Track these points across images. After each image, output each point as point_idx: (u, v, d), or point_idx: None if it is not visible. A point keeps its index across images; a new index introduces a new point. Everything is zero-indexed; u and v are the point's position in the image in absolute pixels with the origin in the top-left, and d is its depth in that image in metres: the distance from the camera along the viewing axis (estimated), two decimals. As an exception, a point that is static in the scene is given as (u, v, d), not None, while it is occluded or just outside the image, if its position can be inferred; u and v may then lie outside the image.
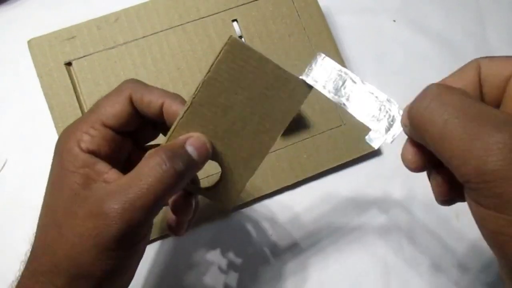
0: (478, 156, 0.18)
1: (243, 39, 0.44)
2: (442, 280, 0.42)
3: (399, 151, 0.25)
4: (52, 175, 0.26)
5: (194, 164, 0.26)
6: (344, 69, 0.26)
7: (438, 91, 0.21)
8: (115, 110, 0.26)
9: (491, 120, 0.19)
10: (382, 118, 0.25)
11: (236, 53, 0.25)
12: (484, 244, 0.20)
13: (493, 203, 0.19)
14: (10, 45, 0.45)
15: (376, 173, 0.45)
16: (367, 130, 0.26)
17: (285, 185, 0.43)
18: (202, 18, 0.44)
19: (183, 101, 0.27)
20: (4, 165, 0.42)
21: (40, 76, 0.41)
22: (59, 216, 0.24)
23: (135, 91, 0.27)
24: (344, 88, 0.26)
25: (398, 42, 0.51)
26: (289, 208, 0.43)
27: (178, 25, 0.44)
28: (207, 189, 0.28)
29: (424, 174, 0.25)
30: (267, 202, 0.43)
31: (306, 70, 0.27)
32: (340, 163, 0.44)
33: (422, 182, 0.27)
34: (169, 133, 0.26)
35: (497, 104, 0.23)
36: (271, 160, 0.43)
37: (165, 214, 0.30)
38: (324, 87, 0.26)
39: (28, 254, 0.25)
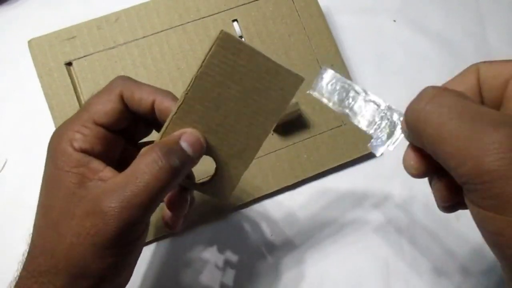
0: (475, 157, 0.18)
1: (243, 39, 0.44)
2: (443, 281, 0.42)
3: (399, 151, 0.25)
4: (46, 176, 0.26)
5: (189, 160, 0.26)
6: (348, 81, 0.27)
7: (433, 93, 0.21)
8: (107, 108, 0.26)
9: (488, 120, 0.19)
10: (383, 125, 0.26)
11: (227, 47, 0.25)
12: (485, 245, 0.20)
13: (491, 204, 0.18)
14: (10, 45, 0.45)
15: (376, 173, 0.45)
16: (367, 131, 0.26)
17: (285, 185, 0.43)
18: (202, 18, 0.44)
19: (174, 97, 0.27)
20: (4, 165, 0.42)
21: (40, 76, 0.41)
22: (56, 216, 0.24)
23: (125, 88, 0.27)
24: (348, 99, 0.27)
25: (398, 42, 0.51)
26: (289, 208, 0.43)
27: (178, 25, 0.44)
28: (203, 184, 0.29)
29: (424, 174, 0.25)
30: (267, 202, 0.43)
31: (313, 84, 0.28)
32: (340, 163, 0.44)
33: (422, 183, 0.27)
34: (162, 129, 0.26)
35: (497, 106, 0.23)
36: (271, 160, 0.43)
37: (160, 210, 0.30)
38: (329, 100, 0.27)
39: (25, 254, 0.25)
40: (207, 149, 0.27)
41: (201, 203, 0.41)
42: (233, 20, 0.45)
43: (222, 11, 0.45)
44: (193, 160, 0.26)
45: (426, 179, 0.26)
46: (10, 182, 0.42)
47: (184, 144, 0.25)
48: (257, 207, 0.43)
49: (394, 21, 0.52)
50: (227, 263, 0.42)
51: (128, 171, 0.24)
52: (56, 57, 0.41)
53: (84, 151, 0.25)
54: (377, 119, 0.26)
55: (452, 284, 0.42)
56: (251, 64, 0.26)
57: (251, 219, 0.43)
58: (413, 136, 0.22)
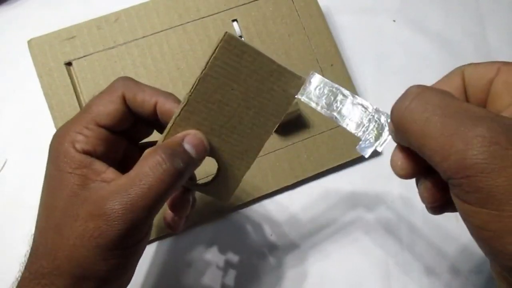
0: (458, 151, 0.19)
1: (243, 39, 0.44)
2: (441, 281, 0.42)
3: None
4: (48, 177, 0.26)
5: (193, 162, 0.26)
6: (335, 85, 0.27)
7: (417, 91, 0.21)
8: (108, 109, 0.26)
9: (470, 115, 0.19)
10: (371, 128, 0.26)
11: (231, 49, 0.25)
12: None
13: (475, 198, 0.19)
14: (10, 45, 0.45)
15: (375, 173, 0.45)
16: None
17: (285, 185, 0.43)
18: (202, 18, 0.44)
19: (176, 99, 0.27)
20: (4, 165, 0.42)
21: (40, 76, 0.41)
22: (59, 217, 0.24)
23: (127, 90, 0.27)
24: (336, 102, 0.27)
25: (398, 42, 0.51)
26: (289, 208, 0.43)
27: (178, 25, 0.44)
28: (205, 184, 0.29)
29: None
30: (267, 202, 0.43)
31: (301, 89, 0.28)
32: (340, 163, 0.44)
33: (421, 182, 0.27)
34: (165, 131, 0.26)
35: (482, 107, 0.23)
36: (271, 160, 0.43)
37: (162, 211, 0.30)
38: (317, 104, 0.28)
39: (27, 255, 0.25)
40: (210, 150, 0.27)
41: (201, 203, 0.41)
42: (233, 20, 0.45)
43: (222, 11, 0.45)
44: (196, 162, 0.26)
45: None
46: (10, 182, 0.42)
47: (187, 146, 0.25)
48: (257, 207, 0.43)
49: (394, 21, 0.52)
50: (227, 263, 0.42)
51: (132, 173, 0.24)
52: (56, 57, 0.41)
53: (86, 152, 0.25)
54: (365, 121, 0.26)
55: (448, 284, 0.42)
56: (254, 65, 0.26)
57: (251, 219, 0.43)
58: (399, 134, 0.23)
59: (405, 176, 0.24)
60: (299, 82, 0.27)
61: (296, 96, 0.28)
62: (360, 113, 0.27)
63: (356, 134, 0.26)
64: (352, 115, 0.27)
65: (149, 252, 0.41)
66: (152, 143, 0.30)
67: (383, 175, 0.45)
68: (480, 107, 0.20)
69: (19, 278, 0.25)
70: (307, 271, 0.42)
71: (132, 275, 0.27)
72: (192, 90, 0.26)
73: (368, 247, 0.43)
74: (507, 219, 0.18)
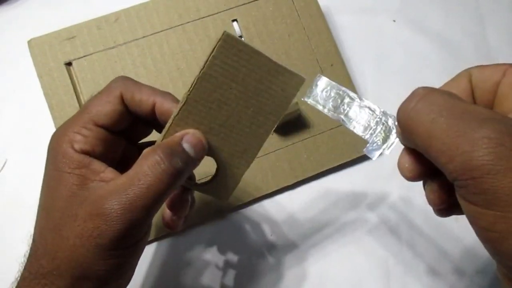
0: (464, 152, 0.19)
1: (243, 39, 0.44)
2: (441, 281, 0.42)
3: (399, 151, 0.25)
4: (47, 177, 0.26)
5: (192, 161, 0.26)
6: (342, 88, 0.28)
7: (423, 93, 0.22)
8: (107, 109, 0.26)
9: (476, 117, 0.19)
10: (379, 130, 0.26)
11: (230, 48, 0.25)
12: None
13: (481, 200, 0.19)
14: (10, 45, 0.45)
15: (376, 173, 0.45)
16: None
17: (285, 185, 0.43)
18: (202, 18, 0.44)
19: (174, 99, 0.27)
20: (4, 165, 0.42)
21: (40, 76, 0.41)
22: (58, 217, 0.24)
23: (125, 89, 0.27)
24: (343, 105, 0.27)
25: (398, 42, 0.51)
26: (289, 208, 0.43)
27: (178, 25, 0.44)
28: (204, 184, 0.29)
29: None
30: (267, 202, 0.43)
31: (307, 92, 0.28)
32: (340, 163, 0.44)
33: (421, 183, 0.27)
34: (164, 130, 0.26)
35: (489, 108, 0.23)
36: (271, 160, 0.43)
37: (161, 210, 0.30)
38: (324, 106, 0.28)
39: (27, 255, 0.25)
40: (209, 150, 0.27)
41: (201, 203, 0.41)
42: (233, 20, 0.45)
43: (222, 11, 0.45)
44: (195, 161, 0.26)
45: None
46: (10, 182, 0.42)
47: (186, 146, 0.25)
48: (256, 207, 0.43)
49: (394, 21, 0.52)
50: (226, 263, 0.42)
51: (131, 172, 0.24)
52: (56, 57, 0.41)
53: (85, 152, 0.25)
54: (372, 124, 0.27)
55: (450, 284, 0.42)
56: (253, 65, 0.26)
57: (251, 219, 0.43)
58: (405, 136, 0.23)
59: (412, 178, 0.24)
60: (298, 81, 0.27)
61: (302, 99, 0.28)
62: (367, 116, 0.27)
63: (363, 137, 0.27)
64: (360, 118, 0.27)
65: (149, 252, 0.41)
66: (151, 143, 0.30)
67: (383, 175, 0.45)
68: (485, 109, 0.21)
69: (18, 278, 0.25)
70: (307, 270, 0.42)
71: (132, 275, 0.27)
72: (190, 89, 0.26)
73: (368, 247, 0.43)
74: None
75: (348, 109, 0.27)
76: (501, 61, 0.23)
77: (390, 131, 0.26)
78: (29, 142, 0.43)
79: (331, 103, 0.27)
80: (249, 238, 0.42)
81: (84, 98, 0.41)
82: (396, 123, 0.25)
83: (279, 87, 0.27)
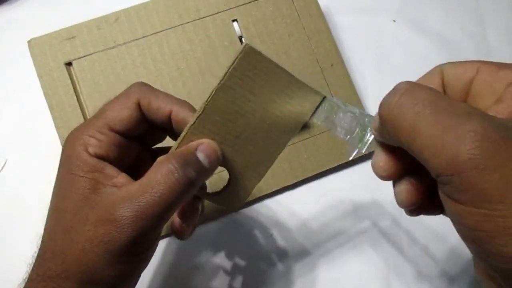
0: (450, 146, 0.18)
1: (243, 39, 0.44)
2: (433, 282, 0.42)
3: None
4: (60, 180, 0.26)
5: (205, 171, 0.25)
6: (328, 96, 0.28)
7: (407, 87, 0.21)
8: (123, 115, 0.26)
9: (461, 111, 0.19)
10: (357, 131, 0.26)
11: (250, 61, 0.25)
12: None
13: (467, 197, 0.18)
14: (10, 45, 0.45)
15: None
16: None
17: (285, 185, 0.43)
18: (202, 18, 0.44)
19: (191, 107, 0.27)
20: (4, 165, 0.42)
21: (40, 76, 0.41)
22: (69, 220, 0.24)
23: (143, 96, 0.27)
24: (332, 114, 0.27)
25: (398, 42, 0.51)
26: (289, 208, 0.43)
27: (178, 25, 0.44)
28: (215, 194, 0.28)
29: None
30: (267, 202, 0.43)
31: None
32: (340, 163, 0.44)
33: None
34: (179, 139, 0.26)
35: None
36: (271, 160, 0.43)
37: (171, 218, 0.30)
38: (317, 119, 0.28)
39: (35, 256, 0.25)
40: (222, 160, 0.27)
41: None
42: (233, 20, 0.45)
43: (222, 11, 0.45)
44: (209, 171, 0.26)
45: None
46: (10, 182, 0.42)
47: (200, 155, 0.25)
48: (257, 206, 0.43)
49: (394, 21, 0.52)
50: (227, 261, 0.42)
51: (144, 180, 0.24)
52: (56, 57, 0.41)
53: (99, 156, 0.25)
54: (352, 126, 0.26)
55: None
56: (272, 78, 0.26)
57: (251, 219, 0.43)
58: (386, 131, 0.22)
59: (386, 177, 0.24)
60: (316, 97, 0.27)
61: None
62: (350, 120, 0.27)
63: (345, 140, 0.26)
64: (343, 123, 0.27)
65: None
66: (165, 149, 0.30)
67: (383, 175, 0.45)
68: (468, 105, 0.20)
69: (26, 280, 0.24)
70: (307, 270, 0.42)
71: (137, 282, 0.27)
72: (208, 99, 0.25)
73: (368, 247, 0.43)
74: (501, 218, 0.17)
75: (334, 116, 0.27)
76: (501, 61, 0.23)
77: (365, 129, 0.26)
78: (29, 142, 0.43)
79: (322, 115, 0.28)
80: (250, 237, 0.42)
81: (84, 98, 0.41)
82: (373, 120, 0.24)
83: (297, 102, 0.27)
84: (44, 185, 0.41)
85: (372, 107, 0.48)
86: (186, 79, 0.43)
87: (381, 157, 0.24)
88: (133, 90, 0.27)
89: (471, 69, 0.22)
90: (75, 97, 0.41)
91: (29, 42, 0.41)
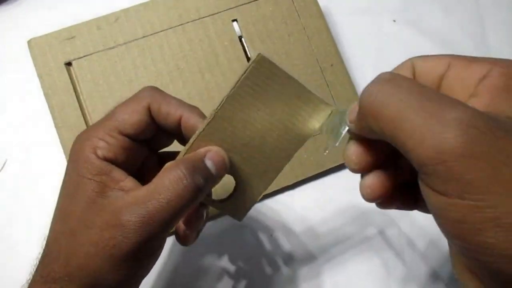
0: (435, 133, 0.17)
1: (243, 39, 0.44)
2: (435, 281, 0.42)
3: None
4: (67, 181, 0.26)
5: (212, 179, 0.25)
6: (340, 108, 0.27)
7: (391, 77, 0.20)
8: (133, 119, 0.26)
9: (446, 100, 0.18)
10: (333, 126, 0.26)
11: (262, 70, 0.25)
12: None
13: (452, 188, 0.17)
14: (10, 45, 0.45)
15: (376, 173, 0.45)
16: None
17: (285, 185, 0.43)
18: (202, 18, 0.44)
19: (201, 114, 0.27)
20: (4, 165, 0.42)
21: (40, 76, 0.41)
22: (74, 223, 0.24)
23: (153, 100, 0.27)
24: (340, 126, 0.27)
25: (398, 42, 0.51)
26: (290, 208, 0.43)
27: (178, 25, 0.44)
28: (221, 201, 0.28)
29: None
30: (267, 201, 0.43)
31: None
32: (340, 163, 0.44)
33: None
34: (187, 145, 0.26)
35: None
36: (271, 160, 0.43)
37: None
38: (325, 130, 0.28)
39: (39, 257, 0.25)
40: (229, 168, 0.27)
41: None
42: (233, 20, 0.45)
43: (222, 11, 0.45)
44: (216, 179, 0.26)
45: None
46: (10, 182, 0.42)
47: (208, 163, 0.25)
48: (257, 206, 0.43)
49: (394, 21, 0.52)
50: (226, 260, 0.42)
51: (152, 185, 0.24)
52: (56, 57, 0.41)
53: (107, 159, 0.25)
54: (332, 123, 0.26)
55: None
56: (284, 89, 0.26)
57: (251, 218, 0.43)
58: (367, 121, 0.21)
59: (358, 170, 0.23)
60: (327, 109, 0.27)
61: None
62: (331, 118, 0.27)
63: (327, 138, 0.26)
64: (328, 123, 0.27)
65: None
66: (171, 154, 0.30)
67: (383, 175, 0.45)
68: (450, 96, 0.19)
69: (29, 281, 0.24)
70: (306, 270, 0.42)
71: (140, 283, 0.27)
72: (219, 106, 0.25)
73: (368, 246, 0.43)
74: (487, 209, 0.16)
75: (341, 128, 0.27)
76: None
77: (340, 124, 0.25)
78: (29, 142, 0.43)
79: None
80: (250, 236, 0.42)
81: (84, 98, 0.41)
82: (347, 112, 0.24)
83: (306, 113, 0.27)
84: (44, 185, 0.42)
85: (372, 107, 0.48)
86: (186, 79, 0.43)
87: (354, 150, 0.23)
88: (144, 94, 0.27)
89: (443, 64, 0.22)
90: (75, 97, 0.41)
91: (29, 42, 0.41)
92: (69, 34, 0.42)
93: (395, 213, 0.44)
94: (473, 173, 0.16)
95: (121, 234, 0.23)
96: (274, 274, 0.41)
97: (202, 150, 0.26)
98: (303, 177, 0.43)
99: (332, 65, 0.46)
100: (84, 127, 0.40)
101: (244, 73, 0.25)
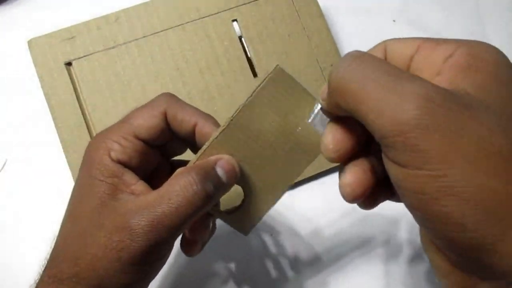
0: (394, 106, 0.18)
1: (243, 39, 0.44)
2: None
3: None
4: (79, 182, 0.26)
5: (223, 187, 0.25)
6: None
7: (358, 54, 0.21)
8: (149, 124, 0.26)
9: (406, 75, 0.19)
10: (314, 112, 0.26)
11: (279, 82, 0.25)
12: None
13: (410, 159, 0.18)
14: (10, 45, 0.45)
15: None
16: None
17: (285, 185, 0.43)
18: (202, 18, 0.44)
19: (215, 122, 0.27)
20: (4, 165, 0.43)
21: (40, 76, 0.41)
22: (84, 224, 0.24)
23: (170, 107, 0.27)
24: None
25: (398, 42, 0.51)
26: (289, 208, 0.44)
27: (178, 25, 0.44)
28: (228, 212, 0.28)
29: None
30: (267, 202, 0.43)
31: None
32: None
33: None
34: (200, 152, 0.26)
35: None
36: (271, 160, 0.43)
37: None
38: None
39: (48, 257, 0.25)
40: (239, 178, 0.27)
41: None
42: (233, 20, 0.45)
43: (222, 11, 0.45)
44: (226, 187, 0.26)
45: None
46: (10, 182, 0.42)
47: (219, 170, 0.25)
48: (257, 207, 0.43)
49: (394, 21, 0.52)
50: (226, 259, 0.42)
51: (162, 190, 0.24)
52: (56, 57, 0.41)
53: (121, 162, 0.25)
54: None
55: None
56: (298, 102, 0.26)
57: (251, 219, 0.43)
58: (335, 98, 0.21)
59: (337, 158, 0.23)
60: None
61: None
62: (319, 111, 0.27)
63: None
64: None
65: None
66: (184, 162, 0.30)
67: (383, 175, 0.45)
68: (413, 73, 0.20)
69: (37, 281, 0.24)
70: (305, 270, 0.42)
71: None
72: (234, 115, 0.26)
73: (368, 246, 0.43)
74: (442, 178, 0.17)
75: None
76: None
77: (316, 106, 0.26)
78: (29, 142, 0.43)
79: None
80: (250, 237, 0.42)
81: (84, 98, 0.41)
82: (322, 89, 0.24)
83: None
84: (44, 185, 0.42)
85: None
86: (186, 79, 0.43)
87: (330, 139, 0.23)
88: (161, 100, 0.27)
89: (412, 45, 0.23)
90: (75, 97, 0.41)
91: (29, 42, 0.41)
92: (69, 34, 0.42)
93: (395, 213, 0.44)
94: (428, 144, 0.17)
95: (129, 238, 0.23)
96: (274, 274, 0.41)
97: (213, 157, 0.26)
98: (303, 177, 0.43)
99: (332, 65, 0.46)
100: (84, 127, 0.40)
101: (261, 83, 0.25)
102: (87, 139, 0.40)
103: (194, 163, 0.26)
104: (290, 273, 0.42)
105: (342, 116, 0.23)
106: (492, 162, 0.17)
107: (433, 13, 0.53)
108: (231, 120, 0.26)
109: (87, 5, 0.47)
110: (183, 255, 0.38)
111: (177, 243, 0.26)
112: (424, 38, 0.23)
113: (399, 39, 0.24)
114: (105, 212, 0.24)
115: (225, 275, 0.41)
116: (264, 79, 0.25)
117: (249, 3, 0.45)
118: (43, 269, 0.25)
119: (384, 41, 0.24)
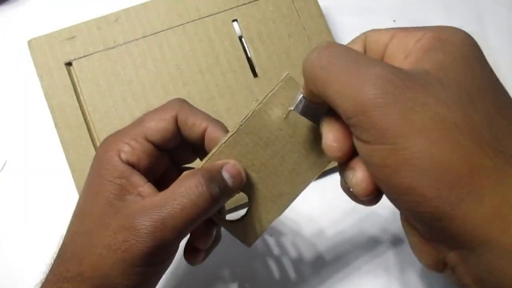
0: (355, 88, 0.19)
1: (243, 39, 0.45)
2: None
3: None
4: (88, 182, 0.26)
5: (228, 191, 0.26)
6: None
7: (326, 44, 0.22)
8: (160, 126, 0.27)
9: (369, 61, 0.20)
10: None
11: (289, 90, 0.26)
12: None
13: (372, 135, 0.19)
14: (10, 45, 0.45)
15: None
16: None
17: (285, 185, 0.43)
18: (202, 18, 0.44)
19: (225, 128, 0.28)
20: (4, 165, 0.43)
21: (40, 76, 0.41)
22: (91, 224, 0.24)
23: (181, 111, 0.27)
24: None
25: (398, 42, 0.51)
26: (290, 208, 0.43)
27: (178, 25, 0.44)
28: (232, 222, 0.28)
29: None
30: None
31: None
32: (340, 163, 0.44)
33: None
34: (208, 155, 0.26)
35: None
36: (271, 160, 0.43)
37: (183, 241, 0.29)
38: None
39: (55, 256, 0.25)
40: (245, 186, 0.27)
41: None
42: (233, 20, 0.45)
43: (222, 11, 0.45)
44: (231, 192, 0.26)
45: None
46: (10, 182, 0.42)
47: (225, 175, 0.26)
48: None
49: (394, 21, 0.52)
50: (226, 259, 0.42)
51: (167, 192, 0.24)
52: (56, 57, 0.41)
53: (130, 163, 0.26)
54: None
55: None
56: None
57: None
58: (309, 86, 0.23)
59: (342, 156, 0.23)
60: None
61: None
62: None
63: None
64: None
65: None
66: (193, 168, 0.30)
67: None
68: (375, 58, 0.22)
69: (43, 280, 0.24)
70: (305, 270, 0.42)
71: None
72: (243, 120, 0.26)
73: (368, 246, 0.43)
74: (401, 151, 0.18)
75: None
76: (502, 62, 0.23)
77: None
78: (29, 142, 0.43)
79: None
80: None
81: (84, 98, 0.41)
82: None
83: None
84: (44, 185, 0.42)
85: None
86: (186, 79, 0.43)
87: (331, 137, 0.23)
88: (173, 105, 0.28)
89: (388, 35, 0.24)
90: (75, 97, 0.41)
91: (29, 42, 0.41)
92: (69, 34, 0.42)
93: (396, 211, 0.44)
94: (387, 120, 0.18)
95: (133, 238, 0.23)
96: (276, 275, 0.41)
97: (219, 162, 0.26)
98: (303, 177, 0.43)
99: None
100: (84, 127, 0.40)
101: (272, 90, 0.26)
102: (87, 139, 0.40)
103: (201, 166, 0.26)
104: (292, 273, 0.42)
105: (336, 114, 0.23)
106: (446, 134, 0.18)
107: (433, 13, 0.53)
108: (240, 125, 0.26)
109: (87, 5, 0.47)
110: (179, 255, 0.38)
111: (180, 248, 0.27)
112: (399, 28, 0.24)
113: (378, 29, 0.25)
114: (111, 212, 0.24)
115: (227, 275, 0.41)
116: (274, 87, 0.26)
117: (249, 3, 0.45)
118: (49, 268, 0.25)
119: (364, 33, 0.26)
